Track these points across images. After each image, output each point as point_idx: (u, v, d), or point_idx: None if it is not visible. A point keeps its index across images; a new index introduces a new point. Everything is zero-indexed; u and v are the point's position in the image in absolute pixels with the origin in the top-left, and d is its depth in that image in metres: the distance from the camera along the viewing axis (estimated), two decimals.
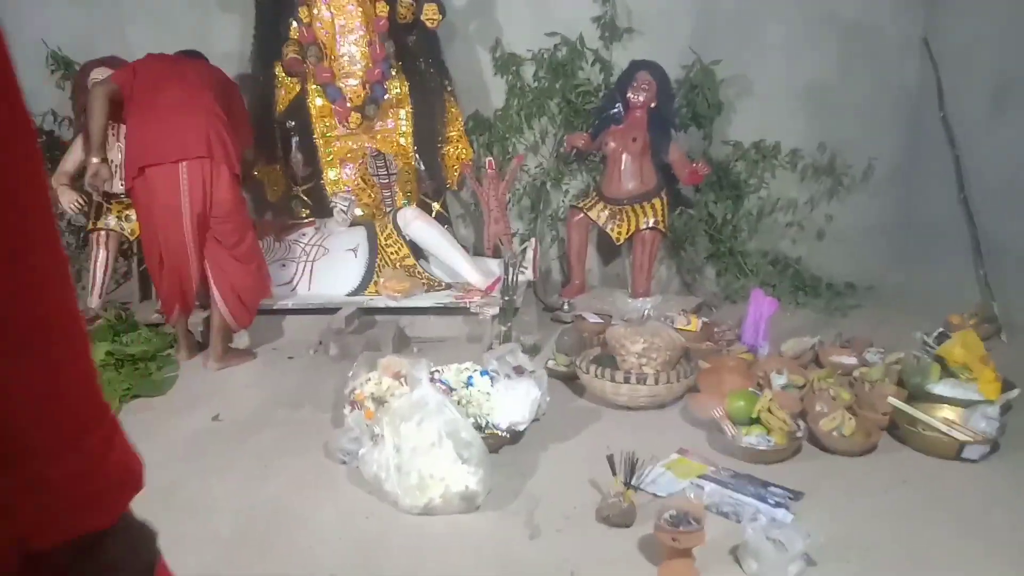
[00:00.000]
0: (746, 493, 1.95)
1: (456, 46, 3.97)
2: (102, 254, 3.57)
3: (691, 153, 3.84)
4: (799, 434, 2.19)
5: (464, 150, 3.83)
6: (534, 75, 4.01)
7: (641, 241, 3.61)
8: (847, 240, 4.09)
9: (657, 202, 3.62)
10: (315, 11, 3.49)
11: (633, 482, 1.91)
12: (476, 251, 4.10)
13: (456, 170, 3.85)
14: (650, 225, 3.59)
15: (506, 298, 3.14)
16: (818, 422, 2.24)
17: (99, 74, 3.46)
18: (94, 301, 3.54)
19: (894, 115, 4.11)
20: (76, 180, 3.59)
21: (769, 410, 2.20)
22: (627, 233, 3.64)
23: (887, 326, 3.29)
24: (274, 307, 3.33)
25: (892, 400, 2.33)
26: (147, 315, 3.56)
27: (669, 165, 3.66)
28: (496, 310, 3.15)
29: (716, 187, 3.92)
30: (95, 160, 2.92)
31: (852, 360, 2.81)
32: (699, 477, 2.04)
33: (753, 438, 2.15)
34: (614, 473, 1.91)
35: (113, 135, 3.50)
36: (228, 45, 3.92)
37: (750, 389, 2.37)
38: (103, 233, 3.56)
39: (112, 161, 3.51)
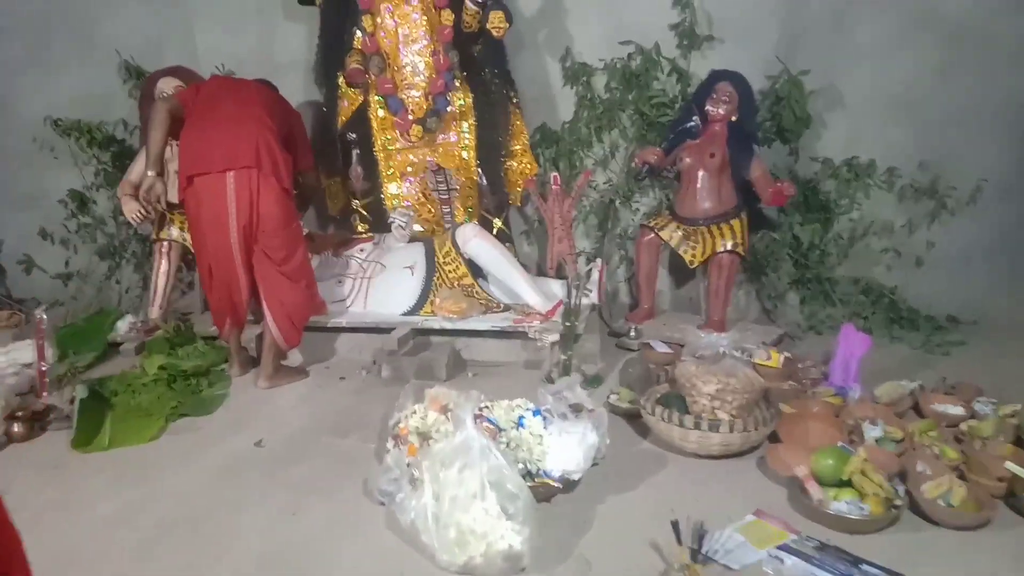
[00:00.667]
0: (834, 571, 1.68)
1: (523, 56, 3.80)
2: (164, 265, 3.56)
3: (775, 170, 3.55)
4: (898, 502, 1.89)
5: (529, 164, 3.65)
6: (605, 86, 3.80)
7: (717, 265, 3.34)
8: (949, 268, 3.70)
9: (736, 223, 3.34)
10: (379, 20, 3.39)
11: (701, 551, 1.67)
12: (539, 270, 3.92)
13: (519, 185, 3.68)
14: (728, 248, 3.32)
15: (567, 324, 2.93)
16: (920, 486, 1.94)
17: (165, 84, 3.46)
18: (155, 312, 3.54)
19: (1004, 128, 3.69)
20: (140, 191, 3.61)
21: (862, 472, 1.91)
22: (702, 256, 3.37)
23: (998, 369, 2.92)
24: (328, 324, 3.23)
25: (1009, 465, 2.00)
26: (207, 327, 3.53)
27: (749, 183, 3.38)
28: (556, 337, 2.95)
29: (803, 207, 3.61)
30: (150, 174, 2.92)
31: (959, 410, 2.47)
32: (778, 547, 1.77)
33: (843, 504, 1.87)
34: (679, 542, 1.67)
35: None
36: (293, 54, 3.88)
37: (839, 444, 2.08)
38: (165, 244, 3.55)
39: (176, 172, 3.51)
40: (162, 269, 3.56)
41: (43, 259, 4.08)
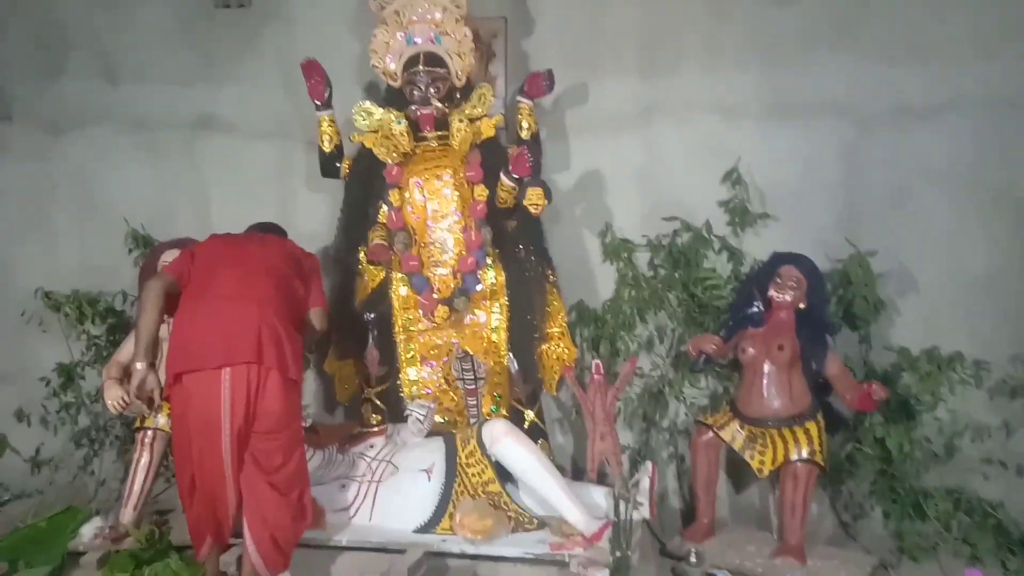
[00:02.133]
0: None
1: (560, 230, 3.52)
2: (145, 457, 3.09)
3: (846, 361, 3.10)
4: None
5: (566, 349, 3.24)
6: (649, 263, 3.47)
7: (792, 476, 2.81)
8: None
9: (812, 427, 2.85)
10: (407, 195, 3.13)
11: None
12: (574, 467, 3.41)
13: (556, 372, 3.25)
14: (804, 457, 2.81)
15: (618, 554, 2.39)
16: None
17: (169, 257, 3.17)
18: (128, 515, 3.03)
19: None
20: (131, 384, 3.23)
21: None
22: (772, 464, 2.86)
23: None
24: (326, 542, 2.70)
25: None
26: (185, 533, 3.00)
27: (819, 378, 2.93)
28: (605, 574, 2.39)
29: (883, 406, 3.11)
30: (140, 366, 2.48)
31: None
32: None
33: None
34: None
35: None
36: (312, 225, 3.63)
37: None
38: (149, 433, 3.10)
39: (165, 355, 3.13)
40: (142, 462, 3.08)
41: (17, 441, 3.63)
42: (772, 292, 2.94)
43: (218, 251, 2.63)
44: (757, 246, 3.38)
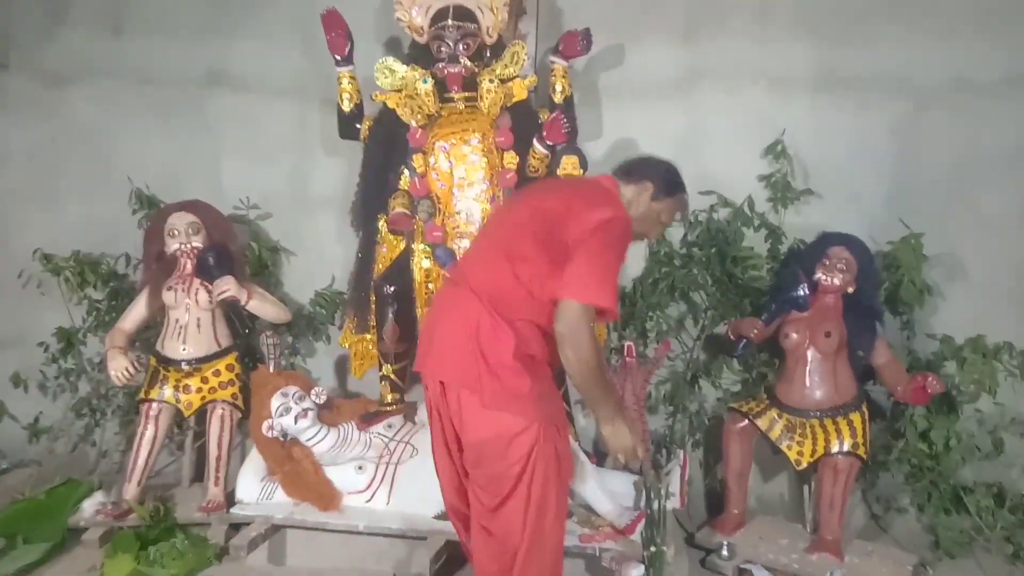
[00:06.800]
0: None
1: None
2: (150, 430, 2.95)
3: None
4: None
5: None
6: (683, 239, 3.29)
7: (832, 470, 2.67)
8: None
9: (856, 418, 2.70)
10: (432, 160, 2.93)
11: None
12: (596, 451, 3.26)
13: None
14: (845, 449, 2.66)
15: (652, 549, 2.25)
16: None
17: (177, 220, 3.00)
18: (131, 490, 2.90)
19: None
20: (135, 340, 3.08)
21: None
22: (811, 455, 2.71)
23: None
24: (339, 527, 2.57)
25: None
26: (190, 509, 2.88)
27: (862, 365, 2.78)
28: (641, 570, 2.25)
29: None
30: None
31: None
32: None
33: None
34: None
35: (183, 290, 2.98)
36: (328, 191, 3.44)
37: None
38: (155, 406, 2.95)
39: (178, 321, 2.98)
40: (146, 436, 2.93)
41: (15, 408, 3.48)
42: (819, 274, 2.76)
43: None
44: (798, 224, 3.19)
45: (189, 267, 3.00)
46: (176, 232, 2.99)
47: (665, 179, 2.19)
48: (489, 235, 2.14)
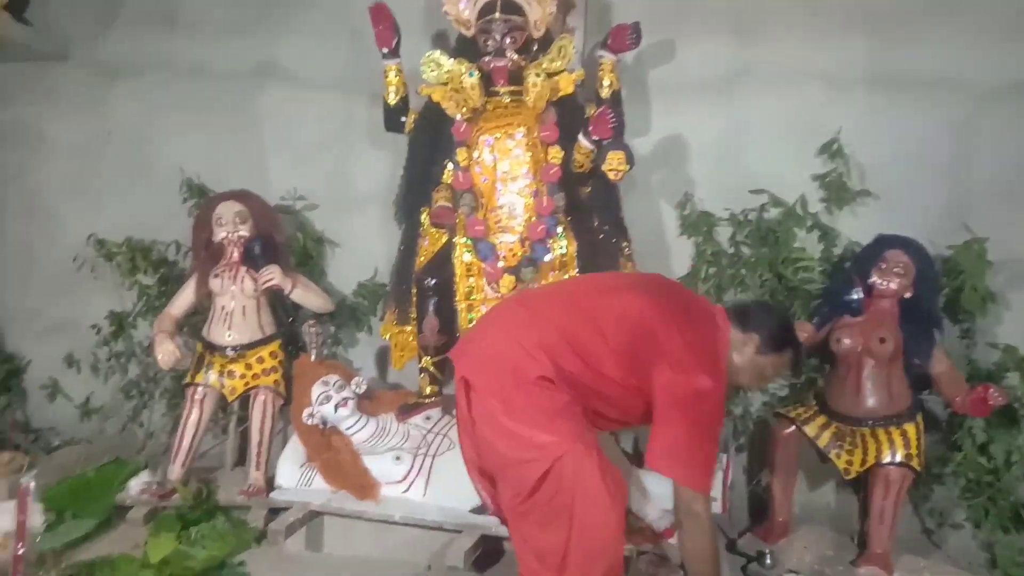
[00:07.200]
0: None
1: (635, 199, 3.26)
2: (195, 414, 3.00)
3: None
4: None
5: None
6: (731, 239, 3.21)
7: (884, 481, 2.57)
8: None
9: (911, 428, 2.59)
10: (476, 154, 2.92)
11: None
12: (635, 451, 3.21)
13: None
14: (898, 460, 2.56)
15: None
16: None
17: (225, 209, 3.05)
18: (176, 471, 2.95)
19: None
20: (183, 325, 3.14)
21: None
22: (861, 465, 2.61)
23: None
24: (375, 517, 2.58)
25: None
26: (232, 492, 2.92)
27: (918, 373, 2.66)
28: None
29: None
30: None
31: None
32: None
33: None
34: None
35: (230, 278, 3.03)
36: (373, 185, 3.46)
37: None
38: (200, 389, 3.00)
39: (224, 308, 3.03)
40: (191, 419, 2.99)
41: (70, 388, 3.60)
42: (875, 278, 2.66)
43: None
44: (852, 226, 3.09)
45: (236, 255, 3.05)
46: (224, 221, 3.04)
47: (774, 334, 2.14)
48: (579, 292, 2.19)
